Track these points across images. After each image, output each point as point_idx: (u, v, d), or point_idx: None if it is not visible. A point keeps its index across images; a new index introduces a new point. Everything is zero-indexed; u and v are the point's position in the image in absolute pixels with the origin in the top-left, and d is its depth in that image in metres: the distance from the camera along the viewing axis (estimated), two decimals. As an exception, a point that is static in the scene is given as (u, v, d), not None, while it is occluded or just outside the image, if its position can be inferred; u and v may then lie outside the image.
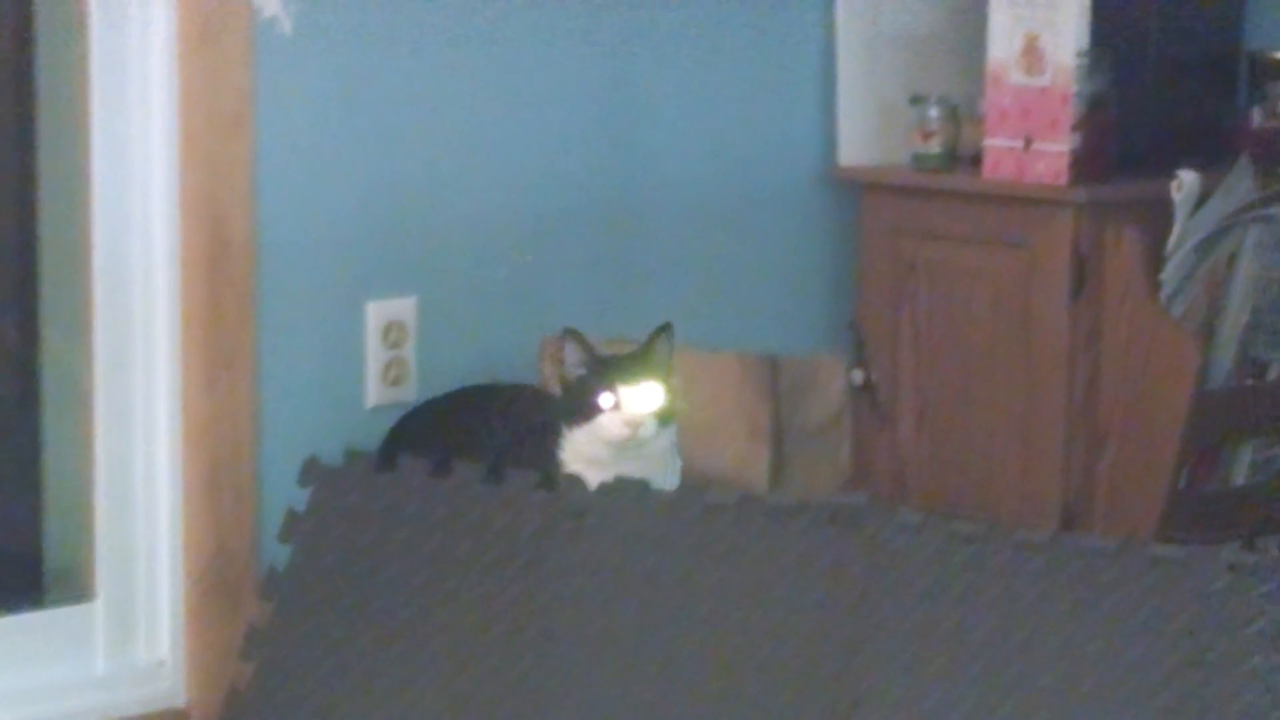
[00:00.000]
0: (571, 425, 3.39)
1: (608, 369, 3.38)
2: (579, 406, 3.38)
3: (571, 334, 3.42)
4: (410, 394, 3.74)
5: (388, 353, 3.73)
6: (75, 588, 3.57)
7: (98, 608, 3.52)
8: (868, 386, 4.02)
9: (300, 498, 3.41)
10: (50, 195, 3.63)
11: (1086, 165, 3.90)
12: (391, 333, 3.73)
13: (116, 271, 3.52)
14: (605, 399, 3.33)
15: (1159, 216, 3.87)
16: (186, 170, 3.48)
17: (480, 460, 3.44)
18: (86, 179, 3.51)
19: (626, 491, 3.30)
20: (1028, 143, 3.93)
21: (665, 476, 3.41)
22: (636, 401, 3.35)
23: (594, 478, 3.34)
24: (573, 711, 3.22)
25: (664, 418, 3.38)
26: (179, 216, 3.50)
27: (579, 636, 3.25)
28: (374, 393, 3.72)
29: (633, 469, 3.34)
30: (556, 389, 3.62)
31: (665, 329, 3.41)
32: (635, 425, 3.34)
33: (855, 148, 4.21)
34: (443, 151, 3.78)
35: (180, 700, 3.54)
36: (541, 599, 3.29)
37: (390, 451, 3.56)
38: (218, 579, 3.55)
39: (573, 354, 3.40)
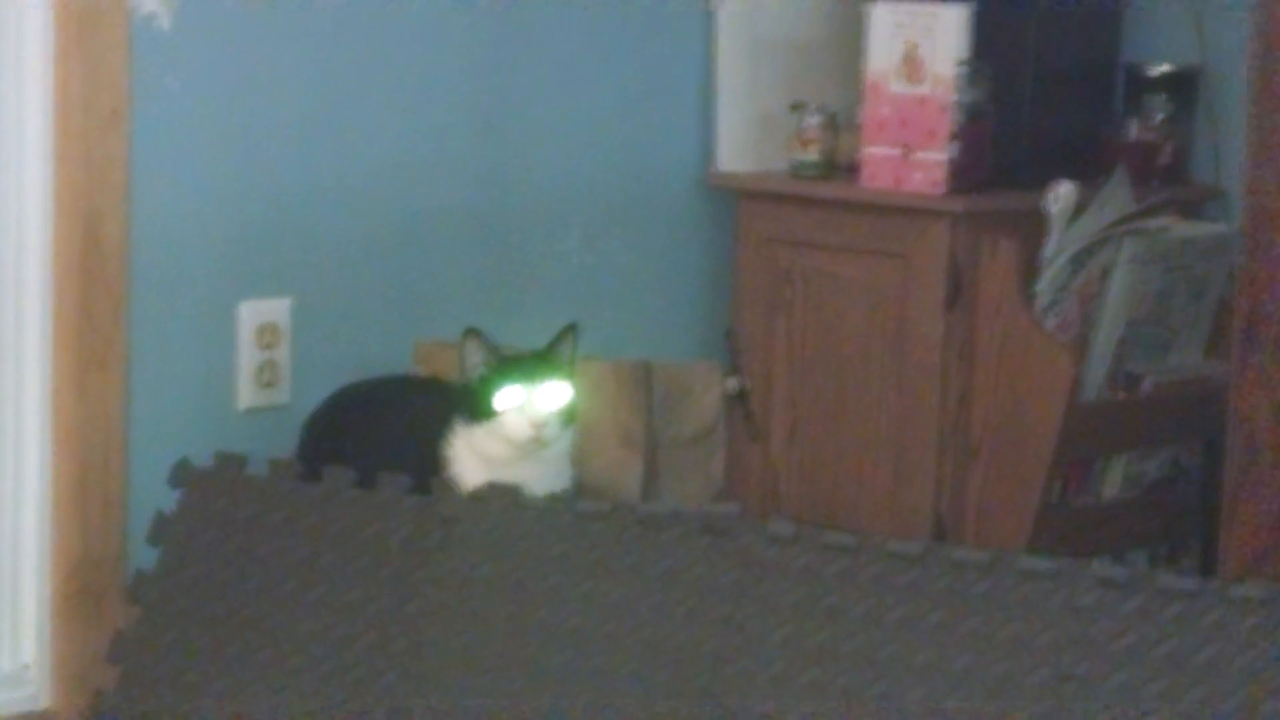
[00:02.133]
0: (470, 424, 3.41)
1: (511, 368, 3.40)
2: (480, 405, 3.39)
3: (472, 333, 3.43)
4: (284, 396, 3.75)
5: (261, 354, 3.72)
6: None
7: None
8: (742, 395, 4.01)
9: (170, 500, 3.42)
10: None
11: (964, 175, 3.90)
12: (265, 334, 3.71)
13: None
14: (508, 398, 3.35)
15: (1035, 228, 3.91)
16: (60, 167, 3.49)
17: (379, 453, 3.49)
18: None
19: (498, 498, 3.30)
20: (906, 152, 3.93)
21: (559, 480, 3.44)
22: (541, 401, 3.37)
23: (485, 479, 3.35)
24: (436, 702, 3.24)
25: (566, 418, 3.41)
26: (52, 214, 3.50)
27: (447, 646, 3.26)
28: (246, 395, 3.71)
29: (530, 471, 3.36)
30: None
31: (570, 329, 3.44)
32: (539, 425, 3.36)
33: (734, 154, 4.21)
34: (319, 152, 3.78)
35: (44, 704, 3.54)
36: (410, 608, 3.30)
37: (314, 439, 3.64)
38: (84, 583, 3.53)
39: (474, 353, 3.41)
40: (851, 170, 4.04)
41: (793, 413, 4.08)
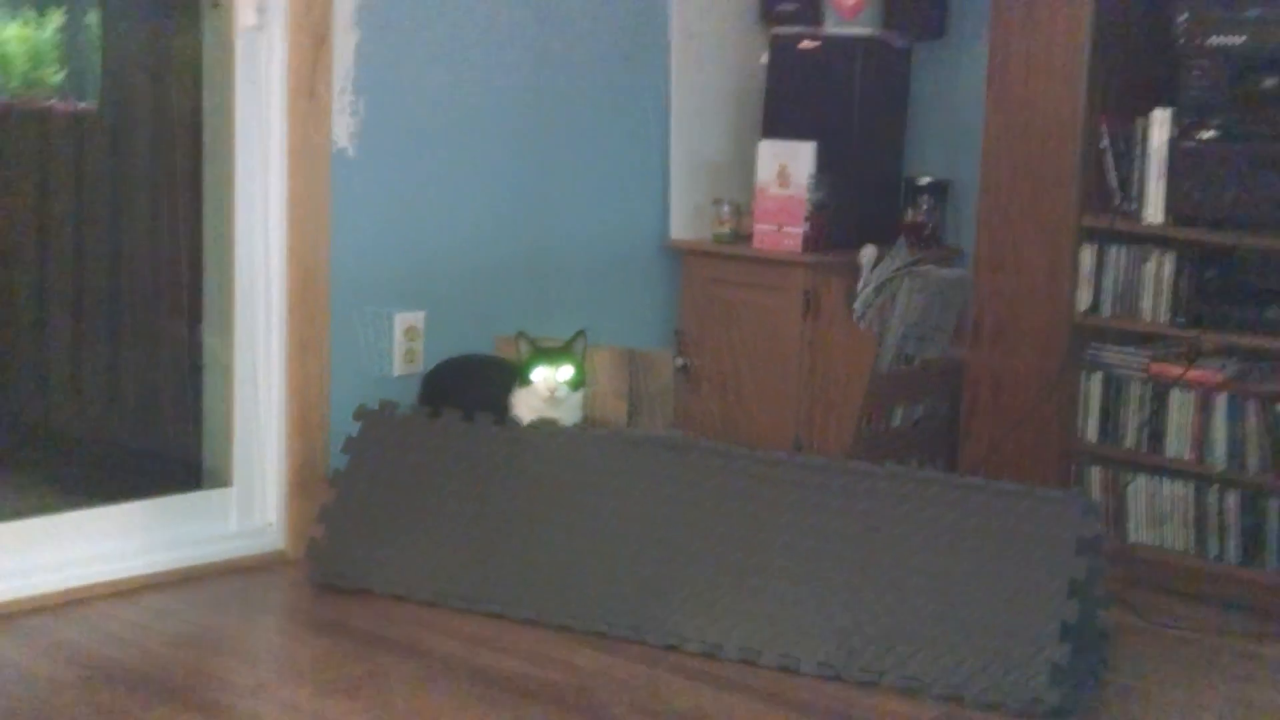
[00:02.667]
0: (520, 387, 3.36)
1: (541, 354, 3.35)
2: (524, 376, 3.34)
3: (521, 334, 3.40)
4: (418, 369, 3.64)
5: (406, 343, 3.63)
6: (220, 479, 3.54)
7: (233, 491, 3.52)
8: (685, 369, 3.97)
9: (354, 428, 3.43)
10: (211, 245, 3.58)
11: (812, 242, 3.90)
12: (410, 332, 3.64)
13: (250, 292, 3.48)
14: (539, 373, 3.34)
15: (852, 272, 3.92)
16: (291, 234, 3.46)
17: (471, 400, 3.42)
18: (231, 241, 3.48)
19: (541, 428, 3.33)
20: (779, 228, 3.92)
21: (573, 418, 3.38)
22: (556, 375, 3.33)
23: (532, 418, 3.35)
24: (515, 556, 3.20)
25: (573, 385, 3.35)
26: (286, 262, 3.46)
27: (516, 507, 3.25)
28: (397, 367, 3.62)
29: (555, 414, 3.35)
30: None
31: (581, 333, 3.39)
32: (553, 389, 3.32)
33: (680, 229, 4.16)
34: (439, 225, 3.71)
35: (281, 547, 3.51)
36: (494, 488, 3.28)
37: (428, 389, 3.56)
38: (304, 476, 3.50)
39: (523, 346, 3.37)
40: (748, 239, 4.02)
41: (715, 378, 4.00)
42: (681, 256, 4.16)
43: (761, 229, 3.99)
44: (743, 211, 4.10)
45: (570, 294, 4.03)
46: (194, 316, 3.59)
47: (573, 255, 4.04)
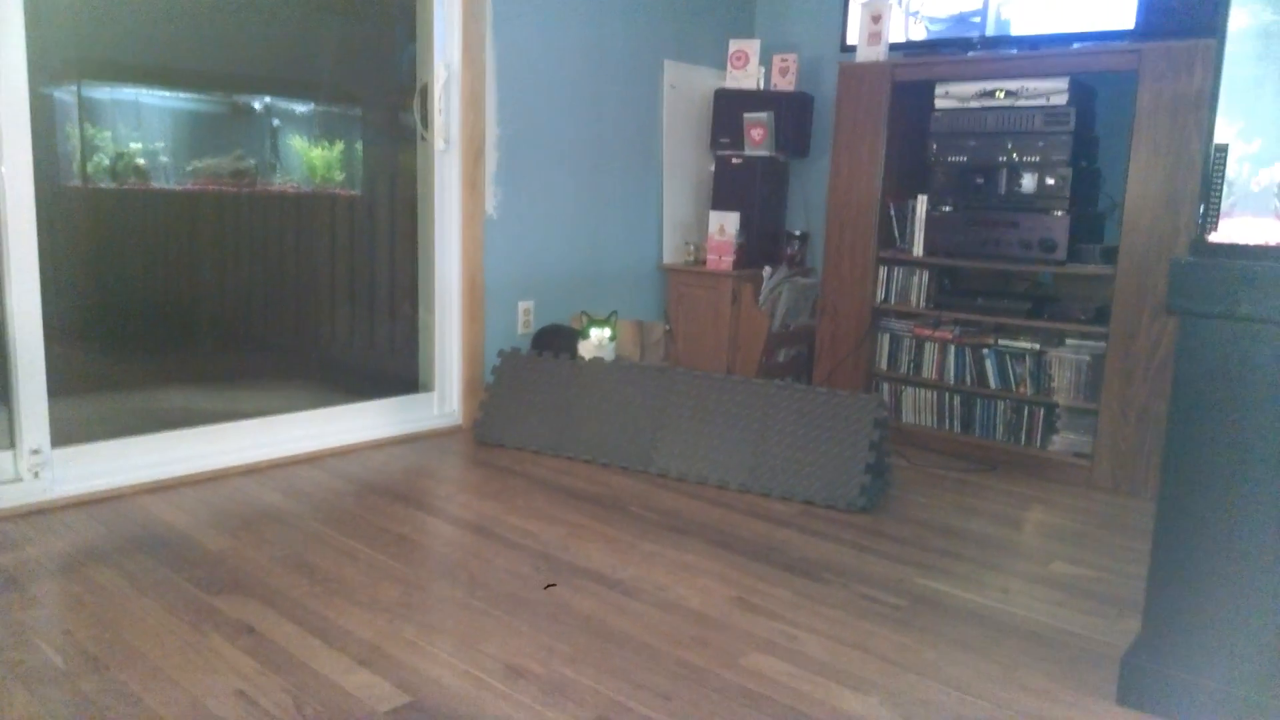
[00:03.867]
0: (582, 339, 3.27)
1: (591, 322, 3.26)
2: (583, 333, 3.25)
3: (584, 312, 3.40)
4: (530, 331, 3.58)
5: (524, 318, 3.59)
6: (428, 387, 3.45)
7: (434, 394, 3.44)
8: (669, 331, 3.87)
9: (496, 361, 3.41)
10: (423, 266, 3.39)
11: (736, 264, 3.78)
12: (526, 311, 3.59)
13: (443, 289, 3.40)
14: (593, 332, 3.26)
15: (758, 280, 3.81)
16: (463, 261, 3.38)
17: (557, 347, 3.35)
18: (433, 264, 3.35)
19: (594, 362, 3.22)
20: (720, 257, 3.82)
21: (609, 358, 3.23)
22: (599, 335, 3.25)
23: (589, 357, 3.26)
24: (580, 425, 3.11)
25: (610, 340, 3.26)
26: (460, 274, 3.39)
27: (583, 402, 3.17)
28: (520, 330, 3.56)
29: (600, 355, 3.25)
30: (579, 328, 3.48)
31: (614, 313, 3.32)
32: (600, 342, 3.24)
33: (668, 257, 4.03)
34: (538, 254, 3.61)
35: (458, 421, 3.43)
36: (572, 393, 3.18)
37: (535, 341, 3.45)
38: (471, 384, 3.44)
39: (584, 318, 3.30)
40: (704, 263, 3.91)
41: (684, 336, 3.89)
42: (668, 272, 4.06)
43: (711, 257, 3.91)
44: (700, 248, 4.06)
45: (611, 291, 3.94)
46: (414, 303, 3.52)
47: (612, 270, 3.94)
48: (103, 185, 2.74)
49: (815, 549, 2.47)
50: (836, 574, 2.31)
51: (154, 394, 3.02)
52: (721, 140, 4.03)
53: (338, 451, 3.16)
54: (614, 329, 3.30)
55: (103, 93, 2.69)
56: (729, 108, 3.95)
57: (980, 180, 3.32)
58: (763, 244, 4.05)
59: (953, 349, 3.44)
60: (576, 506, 2.73)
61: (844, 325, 3.70)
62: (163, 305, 3.02)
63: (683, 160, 4.14)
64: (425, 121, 3.33)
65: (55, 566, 2.20)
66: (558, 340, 3.46)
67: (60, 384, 2.58)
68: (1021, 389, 3.25)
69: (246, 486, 2.82)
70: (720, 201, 4.00)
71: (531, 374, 3.29)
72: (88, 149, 2.72)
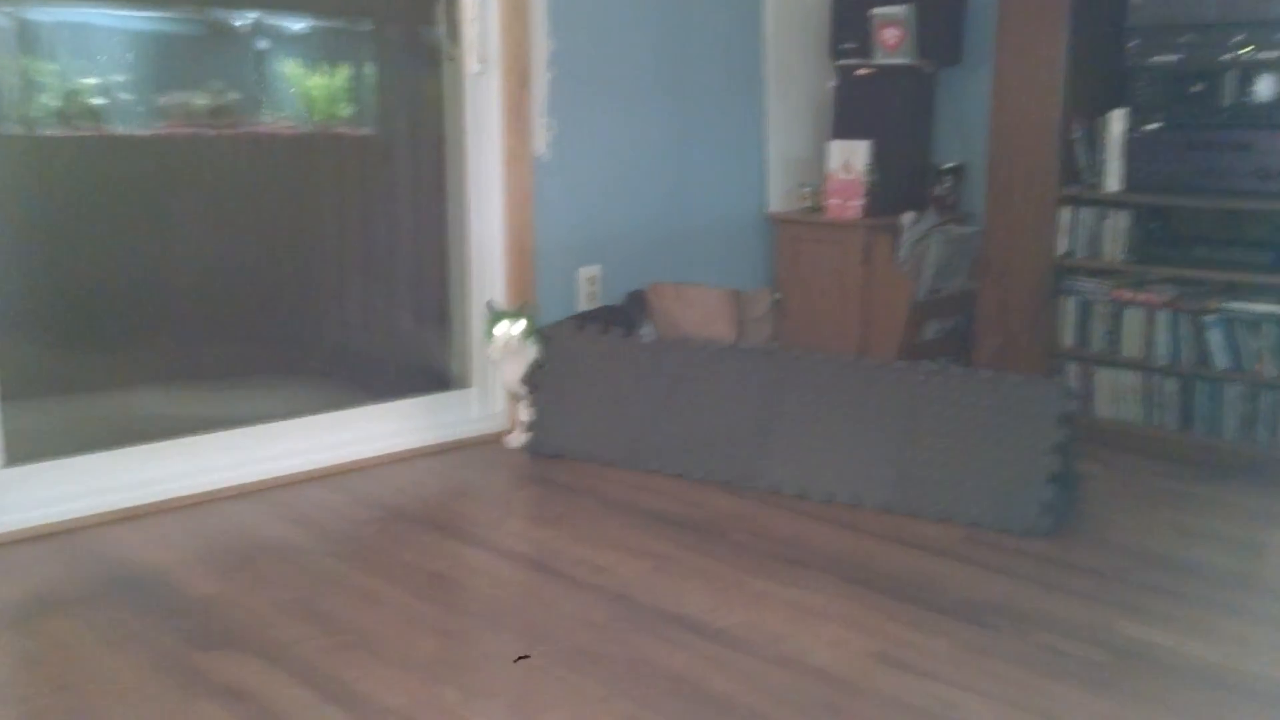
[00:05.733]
0: (488, 342, 3.24)
1: (498, 315, 3.21)
2: (489, 333, 3.21)
3: (489, 304, 3.25)
4: (595, 305, 3.64)
5: (588, 288, 3.64)
6: (464, 381, 3.52)
7: (472, 392, 3.52)
8: (779, 302, 3.88)
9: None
10: (453, 227, 3.51)
11: (867, 211, 3.85)
12: (590, 280, 3.65)
13: (480, 259, 3.47)
14: (497, 332, 3.21)
15: (897, 231, 3.85)
16: (508, 216, 3.44)
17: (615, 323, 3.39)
18: (466, 224, 3.44)
19: (686, 343, 3.25)
20: (844, 202, 3.88)
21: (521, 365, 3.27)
22: (507, 331, 3.20)
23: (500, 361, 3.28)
24: (665, 430, 3.16)
25: (527, 338, 3.22)
26: (505, 234, 3.45)
27: (667, 399, 3.20)
28: (582, 303, 3.61)
29: (510, 359, 3.24)
30: (647, 307, 3.56)
31: (526, 302, 3.28)
32: (507, 342, 3.19)
33: (775, 205, 4.13)
34: (606, 206, 3.67)
35: (506, 427, 3.47)
36: (654, 383, 3.23)
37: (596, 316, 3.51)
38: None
39: (489, 310, 3.22)
40: (823, 211, 3.96)
41: (799, 307, 3.98)
42: (776, 224, 4.13)
43: (832, 203, 3.96)
44: (818, 192, 4.08)
45: (701, 251, 4.01)
46: (443, 274, 3.56)
47: (702, 224, 4.02)
48: (50, 132, 2.78)
49: (982, 586, 2.47)
50: (1011, 619, 2.29)
51: (123, 398, 3.09)
52: (844, 47, 4.05)
53: (353, 467, 3.22)
54: (531, 321, 3.25)
55: (45, 14, 2.73)
56: (853, 2, 3.98)
57: (1198, 88, 3.31)
58: (902, 183, 4.05)
59: (1164, 316, 3.41)
60: (662, 533, 2.75)
61: (1015, 288, 3.71)
62: (130, 284, 3.07)
63: (793, 75, 4.17)
64: (454, 36, 3.36)
65: (6, 617, 2.24)
66: (610, 317, 3.52)
67: (7, 388, 2.66)
68: (1259, 369, 3.21)
69: (240, 513, 2.88)
70: (844, 128, 4.00)
71: (593, 360, 3.33)
72: (29, 87, 2.74)
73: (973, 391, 2.92)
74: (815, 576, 2.50)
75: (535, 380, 3.29)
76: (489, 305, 3.30)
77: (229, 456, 3.05)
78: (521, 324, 3.23)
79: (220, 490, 2.97)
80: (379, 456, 3.27)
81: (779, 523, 2.84)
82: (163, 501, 2.87)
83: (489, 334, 3.24)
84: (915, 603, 2.37)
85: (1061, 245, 3.61)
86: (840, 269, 3.93)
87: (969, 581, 2.48)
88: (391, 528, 2.78)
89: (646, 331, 3.48)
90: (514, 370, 3.30)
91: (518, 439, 3.39)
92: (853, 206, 3.91)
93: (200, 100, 3.09)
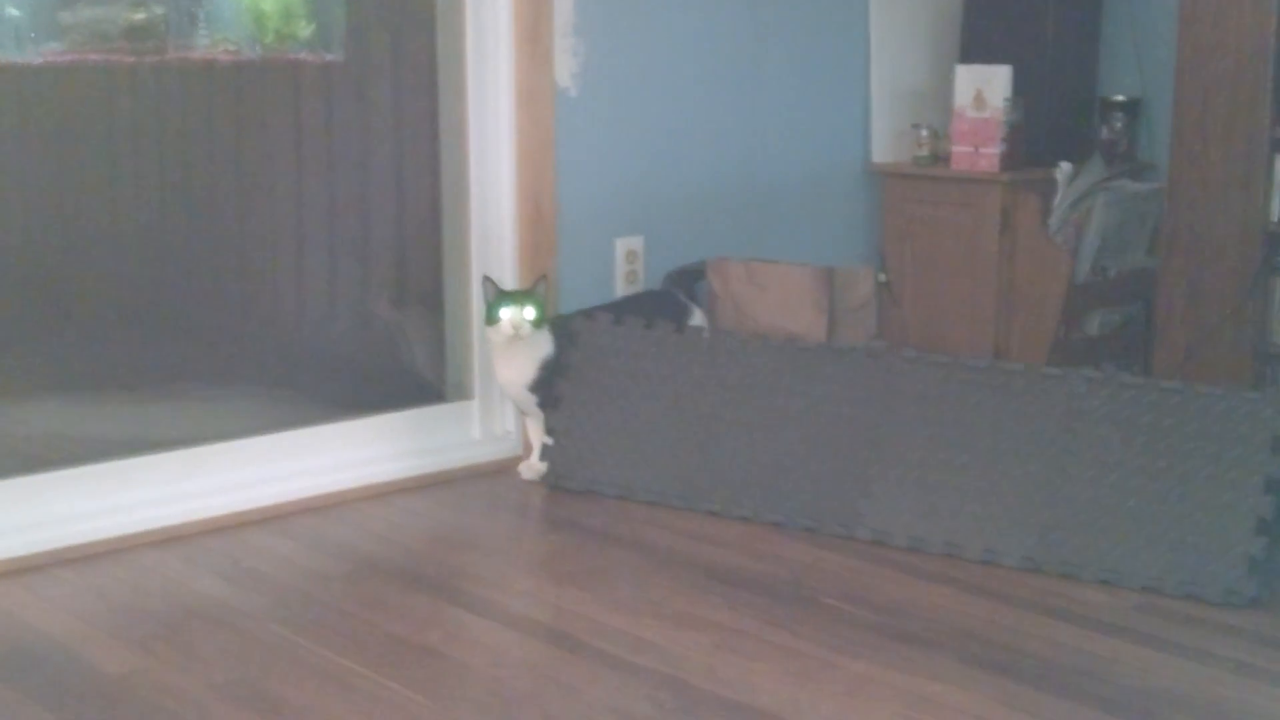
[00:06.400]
0: (489, 327, 3.26)
1: (504, 297, 3.25)
2: (492, 316, 3.22)
3: (488, 279, 3.28)
4: (640, 287, 3.69)
5: (627, 267, 3.69)
6: (463, 392, 3.58)
7: (473, 405, 3.57)
8: (887, 284, 3.94)
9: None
10: (448, 185, 3.57)
11: (1008, 161, 3.88)
12: (630, 256, 3.69)
13: (484, 227, 3.51)
14: (503, 315, 3.22)
15: (1048, 187, 3.93)
16: (520, 173, 3.49)
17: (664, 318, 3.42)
18: (465, 181, 3.50)
19: (745, 339, 3.30)
20: (976, 149, 3.91)
21: (532, 360, 3.31)
22: (515, 314, 3.22)
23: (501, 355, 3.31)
24: (728, 458, 3.21)
25: (535, 324, 3.24)
26: (517, 199, 3.49)
27: (731, 416, 3.24)
28: (620, 289, 3.66)
29: (514, 353, 3.28)
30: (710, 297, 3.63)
31: (544, 277, 3.30)
32: (515, 328, 3.21)
33: (880, 153, 4.18)
34: (652, 156, 3.73)
35: (519, 452, 3.51)
36: (706, 396, 3.27)
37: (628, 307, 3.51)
38: None
39: (491, 287, 3.25)
40: (946, 160, 4.00)
41: (915, 293, 4.04)
42: (882, 179, 4.16)
43: (959, 150, 3.98)
44: (940, 134, 4.09)
45: (777, 216, 4.04)
46: (435, 249, 3.60)
47: (780, 179, 4.04)
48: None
49: (1161, 673, 2.45)
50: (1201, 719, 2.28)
51: (9, 413, 3.12)
52: (977, -62, 4.16)
53: (314, 505, 3.24)
54: (539, 307, 3.27)
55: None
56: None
57: None
58: (1057, 123, 4.05)
59: None
60: (726, 598, 2.76)
61: (1210, 266, 3.69)
62: (15, 265, 3.11)
63: (905, -20, 4.27)
64: (448, -73, 3.44)
65: None
66: (674, 303, 3.54)
67: None
68: None
69: (165, 565, 2.90)
70: (976, 49, 4.03)
71: (634, 363, 3.36)
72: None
73: (1152, 408, 2.90)
74: (933, 657, 2.49)
75: (548, 388, 3.33)
76: (487, 282, 3.31)
77: (150, 490, 3.07)
78: (530, 310, 3.24)
79: (138, 536, 2.98)
80: (348, 491, 3.30)
81: (884, 584, 2.85)
82: (61, 550, 2.88)
83: (492, 316, 3.24)
84: (1071, 695, 2.35)
85: (1276, 208, 3.60)
86: (970, 240, 3.94)
87: (1144, 666, 2.47)
88: (364, 586, 2.79)
89: (700, 325, 3.50)
90: (518, 372, 3.32)
91: (534, 469, 3.42)
92: (987, 155, 3.92)
93: (115, 17, 3.12)
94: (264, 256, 3.48)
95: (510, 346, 3.28)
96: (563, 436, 3.38)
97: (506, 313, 3.23)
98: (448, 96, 3.55)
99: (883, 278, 3.93)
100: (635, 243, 3.74)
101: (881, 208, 4.15)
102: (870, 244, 4.20)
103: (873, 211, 4.20)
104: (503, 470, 3.51)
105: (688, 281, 3.70)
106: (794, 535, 3.10)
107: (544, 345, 3.32)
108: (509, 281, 3.47)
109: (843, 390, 3.21)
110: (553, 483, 3.37)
